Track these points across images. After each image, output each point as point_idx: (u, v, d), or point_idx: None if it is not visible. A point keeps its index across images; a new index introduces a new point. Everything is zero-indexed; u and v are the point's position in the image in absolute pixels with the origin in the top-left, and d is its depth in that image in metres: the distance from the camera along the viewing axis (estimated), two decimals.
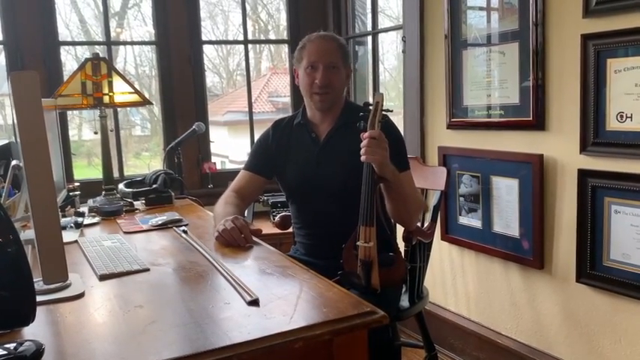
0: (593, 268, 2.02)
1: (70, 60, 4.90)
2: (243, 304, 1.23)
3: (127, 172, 3.48)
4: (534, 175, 2.19)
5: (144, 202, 2.46)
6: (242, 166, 2.17)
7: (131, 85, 2.49)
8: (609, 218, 1.96)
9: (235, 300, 1.26)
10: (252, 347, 1.05)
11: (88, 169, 6.15)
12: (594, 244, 2.01)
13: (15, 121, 1.08)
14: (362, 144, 1.72)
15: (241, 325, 1.13)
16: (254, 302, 1.23)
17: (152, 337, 1.09)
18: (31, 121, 1.04)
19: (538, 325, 2.31)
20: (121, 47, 5.75)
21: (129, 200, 2.43)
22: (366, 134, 1.72)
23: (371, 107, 1.76)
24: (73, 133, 4.25)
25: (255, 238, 1.75)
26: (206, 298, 1.32)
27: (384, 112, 1.78)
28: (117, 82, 2.44)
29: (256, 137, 3.40)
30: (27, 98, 1.03)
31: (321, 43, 1.97)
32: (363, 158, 1.73)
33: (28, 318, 1.03)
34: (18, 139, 1.16)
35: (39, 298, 1.12)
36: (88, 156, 6.46)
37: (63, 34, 3.35)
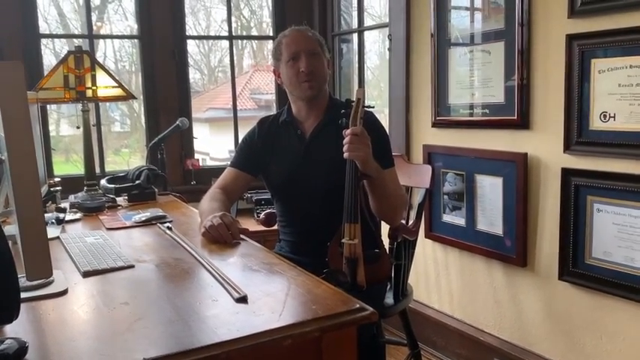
0: (576, 265, 2.05)
1: (47, 54, 4.81)
2: (231, 301, 1.22)
3: (106, 169, 3.43)
4: (518, 173, 2.21)
5: (126, 198, 2.43)
6: (224, 163, 2.15)
7: (115, 79, 2.46)
8: (592, 217, 1.98)
9: (223, 297, 1.25)
10: (240, 344, 1.03)
11: (66, 165, 6.05)
12: (577, 242, 2.04)
13: None
14: (344, 141, 1.72)
15: (229, 322, 1.12)
16: (242, 299, 1.22)
17: (138, 335, 1.07)
18: (16, 112, 1.01)
19: (520, 322, 2.33)
20: (101, 42, 5.66)
21: (111, 196, 2.40)
22: (348, 131, 1.72)
23: (353, 104, 1.76)
24: (51, 129, 4.18)
25: (241, 236, 1.73)
26: (193, 294, 1.30)
27: (367, 109, 1.78)
28: (100, 75, 2.39)
29: (240, 134, 3.39)
30: (12, 89, 1.00)
31: (297, 34, 1.98)
32: (345, 155, 1.73)
33: (12, 315, 1.00)
34: (0, 133, 1.12)
35: (21, 295, 1.09)
36: (66, 152, 6.36)
37: (42, 27, 3.28)
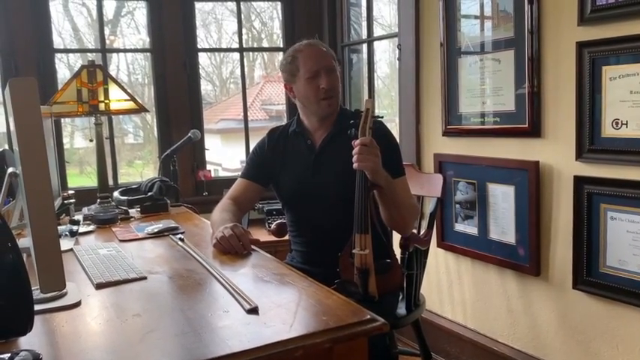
0: (590, 274, 2.03)
1: (62, 68, 4.88)
2: (242, 313, 1.22)
3: (119, 180, 3.46)
4: (530, 181, 2.19)
5: (139, 209, 2.45)
6: (236, 174, 2.16)
7: (127, 92, 2.49)
8: (605, 225, 1.96)
9: (234, 308, 1.25)
10: (251, 356, 1.04)
11: (80, 178, 6.11)
12: (590, 250, 2.01)
13: (13, 128, 1.07)
14: (353, 151, 1.73)
15: (241, 333, 1.12)
16: (253, 310, 1.22)
17: (151, 346, 1.08)
18: (30, 128, 1.03)
19: (534, 332, 2.31)
20: (114, 55, 5.74)
21: (124, 208, 2.42)
22: (357, 141, 1.73)
23: (362, 114, 1.76)
24: (65, 141, 4.23)
25: (252, 246, 1.74)
26: (204, 306, 1.31)
27: (377, 119, 1.79)
28: (113, 89, 2.42)
29: (251, 145, 3.41)
30: (26, 105, 1.02)
31: (314, 50, 1.97)
32: (354, 165, 1.73)
33: (26, 328, 1.02)
34: (15, 147, 1.14)
35: (35, 307, 1.11)
36: (80, 164, 6.42)
37: (56, 41, 3.33)
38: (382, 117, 1.88)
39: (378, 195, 1.83)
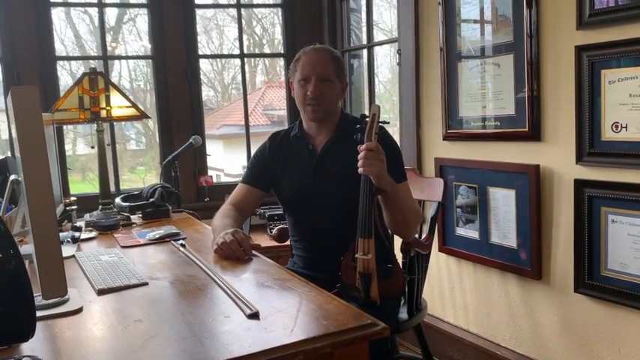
0: (591, 278, 2.02)
1: (64, 75, 4.92)
2: (243, 318, 1.23)
3: (122, 187, 3.48)
4: (531, 185, 2.20)
5: (141, 216, 2.45)
6: (238, 179, 2.16)
7: (128, 99, 2.50)
8: (606, 228, 1.96)
9: (235, 313, 1.26)
10: None
11: (82, 184, 6.14)
12: (592, 254, 2.01)
13: (14, 135, 1.08)
14: (359, 156, 1.73)
15: (241, 338, 1.12)
16: (254, 315, 1.22)
17: (152, 352, 1.08)
18: (31, 135, 1.04)
19: (537, 335, 2.30)
20: (116, 62, 5.77)
21: (126, 214, 2.43)
22: (363, 146, 1.73)
23: (367, 119, 1.77)
24: (67, 148, 4.26)
25: (254, 252, 1.74)
26: (205, 311, 1.31)
27: (380, 124, 1.79)
28: (114, 96, 2.44)
29: (252, 150, 3.42)
30: (27, 113, 1.03)
31: (315, 55, 1.98)
32: (360, 170, 1.73)
33: (28, 334, 1.02)
34: (17, 154, 1.15)
35: (37, 314, 1.11)
36: (82, 171, 6.45)
37: (58, 49, 3.36)
38: (388, 122, 1.88)
39: (383, 200, 1.84)
